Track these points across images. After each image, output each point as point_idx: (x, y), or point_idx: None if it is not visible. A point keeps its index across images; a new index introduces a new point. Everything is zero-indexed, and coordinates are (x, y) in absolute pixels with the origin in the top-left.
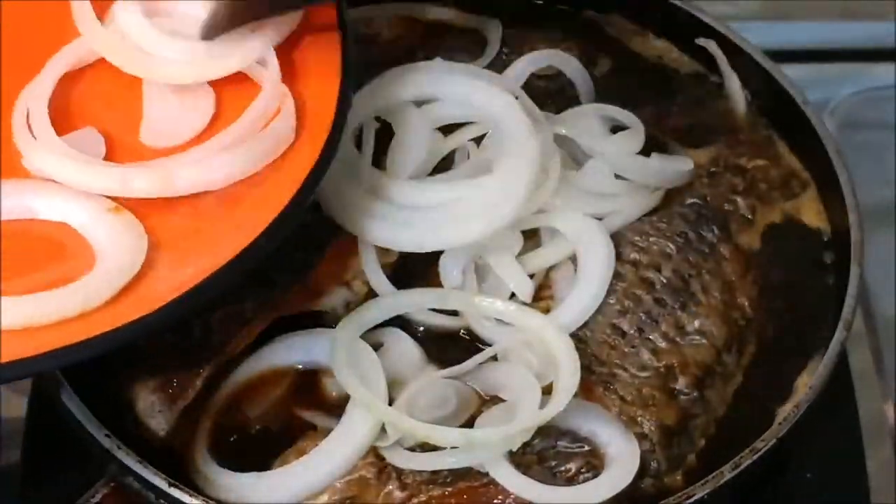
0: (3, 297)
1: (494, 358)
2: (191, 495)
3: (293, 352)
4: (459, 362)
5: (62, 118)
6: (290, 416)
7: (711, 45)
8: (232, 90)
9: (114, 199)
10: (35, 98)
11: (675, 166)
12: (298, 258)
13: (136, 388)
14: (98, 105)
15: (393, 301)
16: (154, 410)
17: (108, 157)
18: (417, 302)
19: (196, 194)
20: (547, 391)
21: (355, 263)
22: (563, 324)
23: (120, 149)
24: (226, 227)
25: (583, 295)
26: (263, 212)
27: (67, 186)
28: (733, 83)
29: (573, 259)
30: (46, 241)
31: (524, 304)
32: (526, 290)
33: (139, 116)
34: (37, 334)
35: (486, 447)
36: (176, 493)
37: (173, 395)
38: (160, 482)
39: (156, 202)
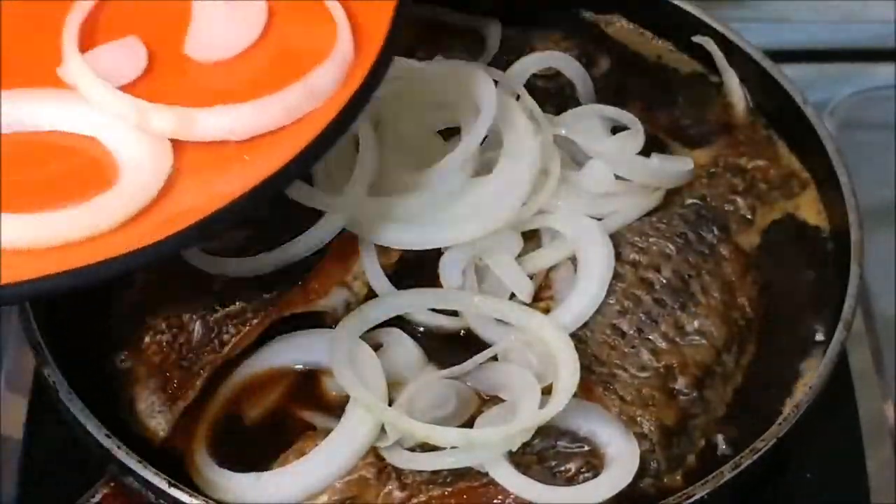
0: (4, 214)
1: (494, 358)
2: (191, 495)
3: (293, 352)
4: (459, 362)
5: (106, 27)
6: (290, 417)
7: (709, 43)
8: (285, 3)
9: None
10: (75, 10)
11: (675, 166)
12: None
13: (136, 388)
14: (144, 13)
15: (393, 301)
16: (154, 410)
17: (150, 68)
18: (417, 302)
19: None
20: (547, 391)
21: (355, 264)
22: (562, 324)
23: (162, 60)
24: (254, 153)
25: (583, 295)
26: (292, 140)
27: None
28: (732, 81)
29: (573, 259)
30: (74, 154)
31: (524, 304)
32: (526, 290)
33: (185, 27)
34: (43, 255)
35: (486, 447)
36: (176, 493)
37: (173, 396)
38: (160, 482)
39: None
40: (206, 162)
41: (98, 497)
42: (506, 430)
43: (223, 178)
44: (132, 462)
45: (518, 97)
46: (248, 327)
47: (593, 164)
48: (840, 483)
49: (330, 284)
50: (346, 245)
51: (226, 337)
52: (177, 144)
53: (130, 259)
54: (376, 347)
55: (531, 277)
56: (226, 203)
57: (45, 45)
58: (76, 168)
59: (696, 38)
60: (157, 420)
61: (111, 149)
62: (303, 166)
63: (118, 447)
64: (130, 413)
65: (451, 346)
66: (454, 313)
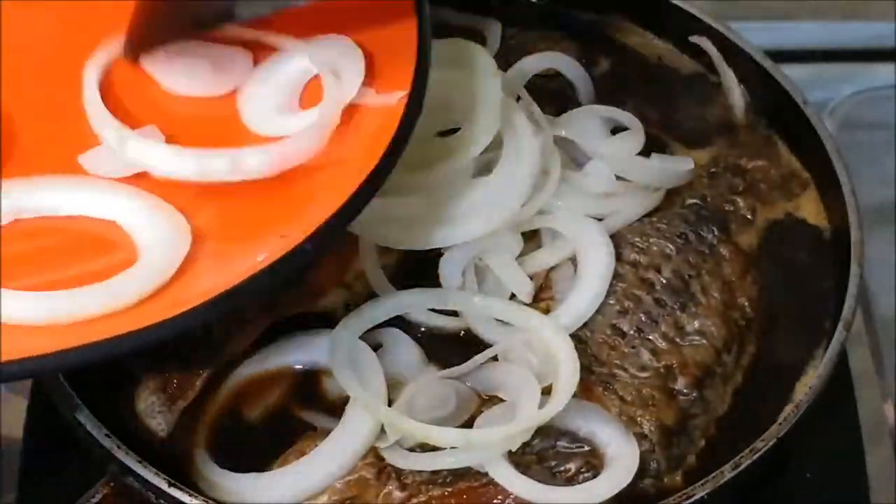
0: (27, 292)
1: (495, 358)
2: (191, 495)
3: (293, 352)
4: (459, 362)
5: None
6: (290, 417)
7: (705, 43)
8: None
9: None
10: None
11: (675, 166)
12: None
13: (136, 388)
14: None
15: (393, 301)
16: (154, 410)
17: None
18: (417, 302)
19: (246, 191)
20: (547, 391)
21: (355, 264)
22: (563, 324)
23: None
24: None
25: (583, 295)
26: (317, 209)
27: (119, 185)
28: (730, 80)
29: (573, 260)
30: (94, 237)
31: (524, 304)
32: (526, 290)
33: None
34: (62, 331)
35: (486, 447)
36: (176, 493)
37: (173, 396)
38: (160, 482)
39: (200, 196)
40: (223, 240)
41: (98, 497)
42: (506, 430)
43: (241, 257)
44: (132, 462)
45: (518, 98)
46: (248, 327)
47: (593, 165)
48: (840, 483)
49: (330, 284)
50: (346, 245)
51: (226, 337)
52: (195, 227)
53: (145, 334)
54: (376, 347)
55: (531, 277)
56: (241, 280)
57: (64, 132)
58: (97, 250)
59: (693, 38)
60: (157, 420)
61: (129, 231)
62: (321, 242)
63: (118, 447)
64: (130, 413)
65: (451, 347)
66: (454, 313)
